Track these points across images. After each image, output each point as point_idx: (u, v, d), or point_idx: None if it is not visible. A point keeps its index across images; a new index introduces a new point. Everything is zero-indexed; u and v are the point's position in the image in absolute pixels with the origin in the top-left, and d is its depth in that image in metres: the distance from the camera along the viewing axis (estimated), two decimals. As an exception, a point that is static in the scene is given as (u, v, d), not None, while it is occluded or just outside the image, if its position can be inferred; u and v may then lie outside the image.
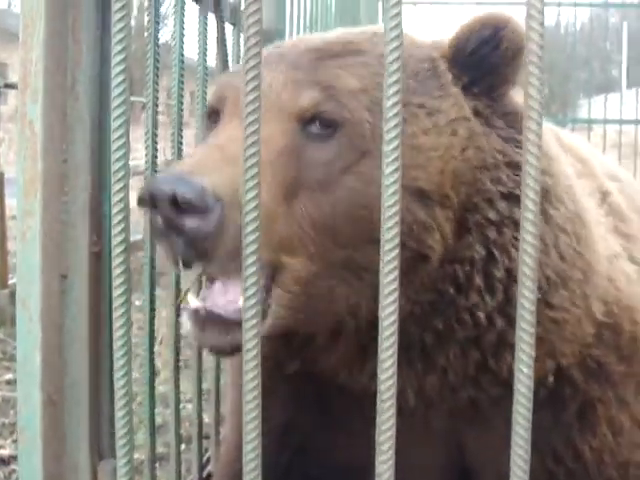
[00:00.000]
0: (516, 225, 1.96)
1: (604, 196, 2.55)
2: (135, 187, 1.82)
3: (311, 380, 2.25)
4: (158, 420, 2.87)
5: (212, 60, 3.05)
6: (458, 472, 2.32)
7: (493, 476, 2.11)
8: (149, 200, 1.65)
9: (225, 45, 3.05)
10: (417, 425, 2.17)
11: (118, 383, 1.65)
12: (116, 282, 1.64)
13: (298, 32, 4.52)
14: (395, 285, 1.35)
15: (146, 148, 2.43)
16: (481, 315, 2.01)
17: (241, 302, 1.69)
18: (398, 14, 1.35)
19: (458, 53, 2.06)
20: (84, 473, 2.01)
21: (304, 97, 1.91)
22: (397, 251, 1.35)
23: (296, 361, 2.21)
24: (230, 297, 1.82)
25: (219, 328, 1.80)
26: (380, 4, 7.73)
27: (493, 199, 2.00)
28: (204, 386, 3.23)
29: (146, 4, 2.45)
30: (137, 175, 4.02)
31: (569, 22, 12.27)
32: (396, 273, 1.35)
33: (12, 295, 6.97)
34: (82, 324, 1.95)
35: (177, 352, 2.76)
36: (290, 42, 2.26)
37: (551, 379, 2.15)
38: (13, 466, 4.45)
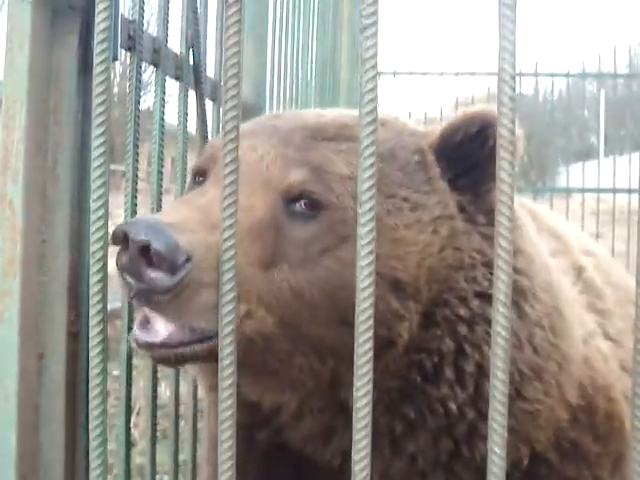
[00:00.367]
0: (488, 322, 1.95)
1: (579, 272, 2.58)
2: (114, 256, 1.84)
3: (282, 450, 2.24)
4: (134, 494, 2.85)
5: (192, 127, 3.09)
6: None
7: None
8: (122, 240, 1.65)
9: (205, 121, 3.09)
10: None
11: (94, 453, 1.65)
12: (93, 352, 1.66)
13: (278, 107, 4.58)
14: (369, 367, 1.37)
15: (125, 217, 2.43)
16: (452, 406, 2.01)
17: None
18: (373, 99, 1.39)
19: (445, 146, 2.07)
20: None
21: (293, 174, 1.92)
22: (371, 332, 1.37)
23: (265, 430, 2.21)
24: (170, 328, 1.78)
25: (164, 350, 1.78)
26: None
27: (466, 297, 2.00)
28: (181, 457, 3.20)
29: (128, 73, 2.48)
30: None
31: (547, 90, 12.46)
32: (370, 354, 1.37)
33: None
34: (58, 404, 1.95)
35: (154, 423, 2.74)
36: (286, 115, 2.28)
37: (525, 461, 2.14)
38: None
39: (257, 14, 4.16)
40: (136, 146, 2.40)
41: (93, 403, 1.65)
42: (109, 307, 1.75)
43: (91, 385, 1.66)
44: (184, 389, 3.27)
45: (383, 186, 1.93)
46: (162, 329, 1.76)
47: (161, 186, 2.68)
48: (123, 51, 2.37)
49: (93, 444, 1.65)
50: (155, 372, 2.69)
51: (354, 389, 1.38)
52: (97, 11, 1.51)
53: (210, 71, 3.28)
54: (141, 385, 2.95)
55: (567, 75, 10.57)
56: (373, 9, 1.36)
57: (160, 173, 2.67)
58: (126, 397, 2.48)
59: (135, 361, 2.54)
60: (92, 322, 1.68)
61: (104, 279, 1.62)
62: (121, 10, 2.27)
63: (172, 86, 2.82)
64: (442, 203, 2.03)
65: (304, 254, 1.88)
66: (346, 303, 1.82)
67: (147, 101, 5.06)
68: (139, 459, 4.52)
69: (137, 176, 2.47)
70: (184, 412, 3.38)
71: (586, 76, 11.31)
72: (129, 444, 2.45)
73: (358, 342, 1.37)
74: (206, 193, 1.93)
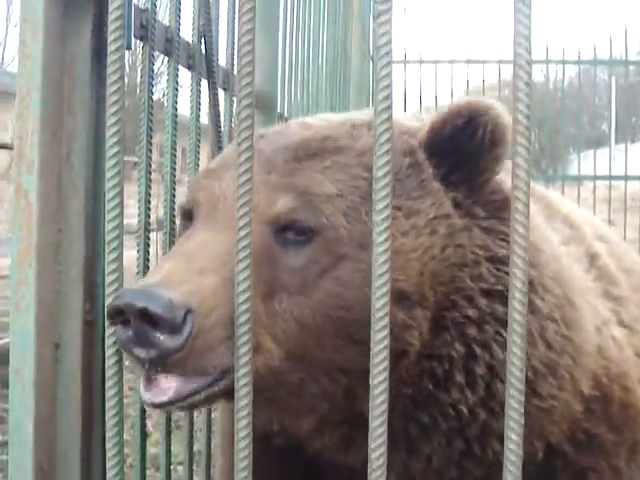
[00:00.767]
0: (498, 321, 1.96)
1: (593, 259, 2.55)
2: (128, 246, 1.84)
3: (299, 453, 2.23)
4: (149, 483, 2.85)
5: (204, 117, 3.08)
6: None
7: None
8: (116, 315, 1.63)
9: (218, 110, 3.09)
10: None
11: (110, 451, 1.66)
12: (109, 342, 1.67)
13: (289, 96, 4.58)
14: (385, 385, 1.37)
15: (139, 209, 2.43)
16: (464, 409, 1.99)
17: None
18: (388, 86, 1.38)
19: (435, 142, 2.03)
20: (75, 540, 2.00)
21: (279, 204, 1.89)
22: (386, 350, 1.38)
23: (281, 438, 2.20)
24: (174, 382, 1.76)
25: (178, 404, 1.76)
26: (370, 65, 7.83)
27: (473, 296, 1.97)
28: (195, 447, 3.21)
29: (140, 63, 2.48)
30: (130, 234, 4.04)
31: (557, 78, 12.42)
32: (386, 374, 1.37)
33: (1, 356, 6.90)
34: (74, 393, 1.96)
35: (169, 413, 2.75)
36: (269, 134, 2.18)
37: (540, 455, 2.12)
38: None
39: (269, 3, 4.15)
40: (149, 135, 2.40)
41: (109, 393, 1.66)
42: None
43: (107, 375, 1.68)
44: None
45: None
46: (167, 385, 1.74)
47: (174, 176, 2.67)
48: (135, 41, 2.36)
49: (109, 434, 1.66)
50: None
51: (370, 398, 1.39)
52: (110, 0, 1.51)
53: (222, 60, 3.28)
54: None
55: (578, 62, 10.54)
56: (388, -6, 1.36)
57: (173, 163, 2.66)
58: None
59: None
60: (108, 311, 1.69)
61: (119, 268, 1.63)
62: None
63: (183, 76, 2.82)
64: (437, 204, 1.99)
65: (302, 280, 1.85)
66: (349, 322, 1.85)
67: (157, 92, 5.07)
68: (153, 449, 4.55)
69: (150, 166, 2.47)
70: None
71: (597, 63, 11.28)
72: (144, 434, 2.45)
73: (373, 352, 1.39)
74: (190, 238, 1.91)
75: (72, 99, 1.94)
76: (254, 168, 1.86)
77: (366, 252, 1.83)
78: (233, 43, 3.38)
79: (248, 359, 1.44)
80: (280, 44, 4.36)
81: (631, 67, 12.41)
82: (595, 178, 10.38)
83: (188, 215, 2.06)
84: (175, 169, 2.69)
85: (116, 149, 1.59)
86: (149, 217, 2.48)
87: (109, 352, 1.68)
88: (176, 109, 2.67)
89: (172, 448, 2.75)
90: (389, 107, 1.38)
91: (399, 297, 1.87)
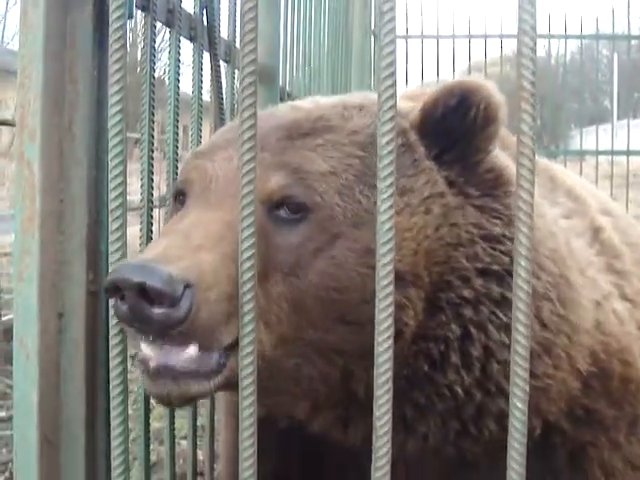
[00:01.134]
0: (493, 302, 1.96)
1: (596, 233, 2.54)
2: (130, 223, 1.83)
3: (300, 435, 2.23)
4: (152, 457, 2.86)
5: (206, 95, 3.07)
6: None
7: None
8: (114, 290, 1.61)
9: (220, 82, 3.08)
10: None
11: (115, 421, 1.66)
12: (113, 319, 1.66)
13: (291, 69, 4.57)
14: (389, 364, 1.37)
15: (141, 186, 2.42)
16: (459, 390, 1.98)
17: (192, 351, 1.69)
18: (392, 63, 1.37)
19: (427, 122, 2.02)
20: (80, 512, 2.00)
21: (272, 181, 1.88)
22: (391, 321, 1.38)
23: (283, 422, 2.22)
24: (183, 348, 1.73)
25: (169, 378, 1.71)
26: (372, 40, 7.80)
27: (469, 276, 1.97)
28: (199, 422, 3.22)
29: (140, 40, 2.46)
30: (132, 211, 4.04)
31: (559, 53, 12.38)
32: (390, 342, 1.37)
33: (5, 332, 6.92)
34: (79, 363, 1.96)
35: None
36: (260, 116, 2.19)
37: (538, 431, 2.12)
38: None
39: (270, -25, 4.13)
40: (152, 107, 2.38)
41: (113, 362, 1.66)
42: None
43: (111, 344, 1.68)
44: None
45: (367, 177, 1.90)
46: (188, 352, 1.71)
47: (177, 153, 2.66)
48: (135, 16, 2.35)
49: (114, 403, 1.66)
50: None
51: (374, 376, 1.39)
52: (112, -31, 1.51)
53: (223, 32, 3.26)
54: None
55: (580, 36, 10.49)
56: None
57: (175, 140, 2.65)
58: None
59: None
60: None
61: (123, 237, 1.62)
62: (135, -31, 2.26)
63: (185, 53, 2.79)
64: (430, 183, 1.98)
65: (296, 259, 1.84)
66: (341, 304, 1.84)
67: (158, 70, 5.07)
68: (156, 423, 4.57)
69: (153, 143, 2.46)
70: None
71: (599, 37, 11.23)
72: (148, 409, 2.46)
73: (378, 330, 1.39)
74: (185, 216, 1.89)
75: (74, 68, 1.92)
76: None
77: (360, 231, 1.84)
78: (235, 15, 3.37)
79: (253, 337, 1.44)
80: (282, 17, 4.35)
81: (633, 42, 12.37)
82: (597, 153, 10.36)
83: (181, 195, 2.05)
84: (177, 146, 2.67)
85: (119, 117, 1.58)
86: (152, 194, 2.47)
87: (113, 321, 1.68)
88: (178, 80, 2.65)
89: (176, 422, 2.76)
90: (394, 84, 1.38)
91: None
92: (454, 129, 2.00)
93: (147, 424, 2.46)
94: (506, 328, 1.89)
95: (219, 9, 3.07)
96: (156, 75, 2.48)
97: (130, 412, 1.77)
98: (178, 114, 2.65)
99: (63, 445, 1.97)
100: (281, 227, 1.86)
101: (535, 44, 1.35)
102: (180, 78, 2.69)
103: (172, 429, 2.71)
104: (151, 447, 2.61)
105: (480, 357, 1.98)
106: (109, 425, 1.68)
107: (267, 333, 1.79)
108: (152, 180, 2.47)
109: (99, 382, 2.02)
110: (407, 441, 2.07)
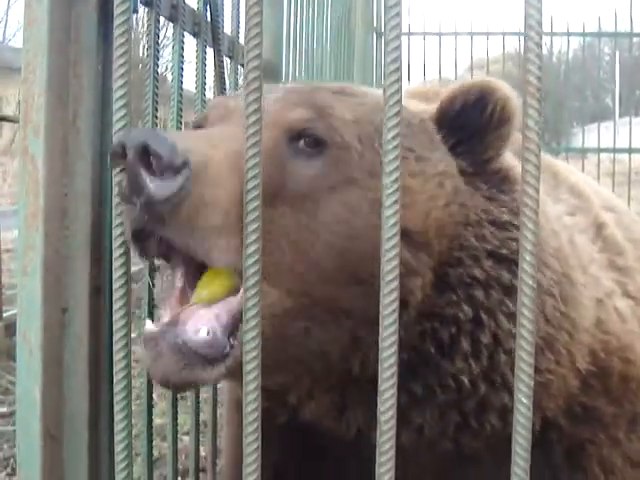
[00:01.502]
0: (503, 287, 1.96)
1: (599, 229, 2.55)
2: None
3: (300, 430, 2.23)
4: (154, 453, 2.86)
5: (209, 91, 3.06)
6: None
7: None
8: (120, 151, 1.58)
9: (224, 78, 3.07)
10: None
11: (118, 416, 1.66)
12: (116, 306, 1.66)
13: (294, 65, 4.57)
14: (394, 338, 1.37)
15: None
16: (465, 380, 1.97)
17: (204, 333, 1.67)
18: (397, 47, 1.37)
19: (445, 114, 2.07)
20: (83, 506, 2.00)
21: (295, 112, 1.90)
22: (396, 283, 1.37)
23: (282, 415, 2.20)
24: (198, 323, 1.69)
25: (176, 358, 1.66)
26: (374, 38, 7.81)
27: (478, 256, 1.97)
28: (201, 418, 3.22)
29: (143, 38, 2.46)
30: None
31: (562, 51, 12.37)
32: (395, 327, 1.37)
33: (6, 328, 6.93)
34: (82, 357, 1.95)
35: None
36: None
37: (537, 427, 2.09)
38: (8, 500, 4.43)
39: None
40: (155, 102, 2.38)
41: (117, 357, 1.66)
42: (132, 269, 1.74)
43: (114, 339, 1.67)
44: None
45: None
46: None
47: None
48: (140, 12, 2.35)
49: (117, 398, 1.67)
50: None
51: (379, 371, 1.41)
52: (117, -37, 1.50)
53: (227, 28, 3.25)
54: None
55: (582, 34, 10.47)
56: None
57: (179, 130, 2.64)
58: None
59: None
60: (115, 275, 1.69)
61: (127, 242, 1.62)
62: (139, -36, 2.26)
63: (187, 50, 2.79)
64: (445, 161, 2.01)
65: (308, 192, 1.81)
66: (354, 255, 1.80)
67: (161, 66, 5.07)
68: (159, 420, 4.56)
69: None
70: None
71: (602, 35, 11.21)
72: (150, 405, 2.46)
73: (383, 292, 1.37)
74: (202, 130, 1.95)
75: (78, 63, 1.92)
76: (278, 91, 1.98)
77: (375, 181, 1.81)
78: (238, 11, 3.36)
79: (257, 289, 1.43)
80: (285, 13, 4.35)
81: (636, 40, 12.36)
82: (599, 151, 10.34)
83: (200, 127, 2.07)
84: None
85: (124, 112, 1.58)
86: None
87: (116, 316, 1.68)
88: (182, 75, 2.65)
89: (178, 418, 2.76)
90: (399, 79, 1.37)
91: (405, 235, 1.76)
92: (470, 125, 2.05)
93: (150, 420, 2.46)
94: (514, 317, 1.89)
95: (222, 5, 3.06)
96: (159, 72, 2.48)
97: (133, 408, 1.76)
98: (181, 110, 2.64)
99: (66, 440, 1.96)
100: (298, 158, 1.86)
101: (541, 39, 1.35)
102: (183, 74, 2.68)
103: (175, 425, 2.71)
104: (154, 443, 2.61)
105: (489, 345, 1.96)
106: (112, 420, 1.68)
107: (271, 288, 1.72)
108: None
109: (102, 377, 2.01)
110: (400, 432, 2.05)
